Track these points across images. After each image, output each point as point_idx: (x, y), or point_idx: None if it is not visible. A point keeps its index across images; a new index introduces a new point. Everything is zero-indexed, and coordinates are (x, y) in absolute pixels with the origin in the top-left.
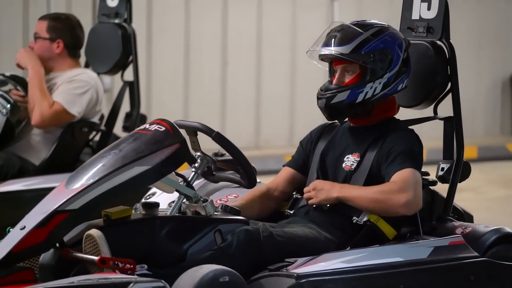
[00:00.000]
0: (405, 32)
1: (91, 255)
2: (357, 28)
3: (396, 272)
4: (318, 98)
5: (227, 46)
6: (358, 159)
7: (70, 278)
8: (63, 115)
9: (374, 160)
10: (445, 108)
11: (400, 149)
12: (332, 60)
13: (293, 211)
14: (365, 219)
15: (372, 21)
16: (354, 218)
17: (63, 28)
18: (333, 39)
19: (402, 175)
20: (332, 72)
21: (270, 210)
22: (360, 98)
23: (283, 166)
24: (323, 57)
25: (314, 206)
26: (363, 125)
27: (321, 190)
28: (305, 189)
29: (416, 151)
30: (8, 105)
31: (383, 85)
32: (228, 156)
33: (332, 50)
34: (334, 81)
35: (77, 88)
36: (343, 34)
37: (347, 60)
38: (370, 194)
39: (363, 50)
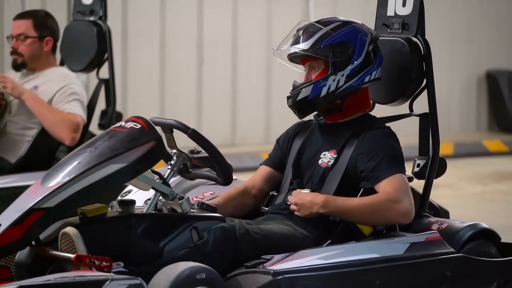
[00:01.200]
0: (380, 28)
1: (67, 253)
2: (318, 25)
3: (372, 268)
4: (288, 97)
5: (203, 44)
6: (335, 156)
7: (46, 276)
8: (82, 124)
9: (352, 157)
10: (421, 104)
11: (383, 151)
12: (301, 59)
13: (269, 208)
14: None
15: (339, 18)
16: (331, 216)
17: (51, 25)
18: (298, 38)
19: (393, 183)
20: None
21: (247, 208)
22: (323, 91)
23: (260, 164)
24: (289, 56)
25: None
26: (338, 121)
27: (302, 205)
28: (290, 200)
29: (398, 152)
30: None
31: (346, 77)
32: (204, 154)
33: (294, 48)
34: (303, 79)
35: (75, 94)
36: (306, 32)
37: (310, 56)
38: (364, 207)
39: (322, 44)
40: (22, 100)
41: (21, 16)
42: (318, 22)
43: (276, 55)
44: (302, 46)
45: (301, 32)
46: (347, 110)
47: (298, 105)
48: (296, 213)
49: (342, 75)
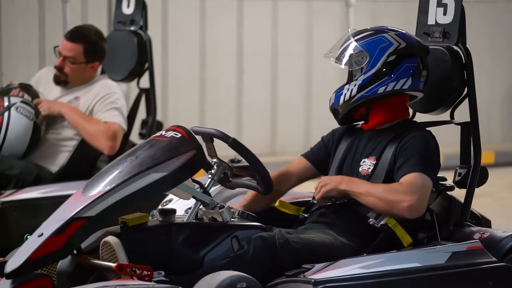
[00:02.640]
0: (421, 37)
1: (109, 262)
2: (351, 35)
3: (413, 278)
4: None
5: (243, 53)
6: (374, 162)
7: (88, 285)
8: (121, 132)
9: (391, 161)
10: (462, 113)
11: (414, 150)
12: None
13: (308, 214)
14: (382, 222)
15: (381, 27)
16: (371, 220)
17: (100, 51)
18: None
19: (411, 178)
20: None
21: (281, 192)
22: (341, 100)
23: (301, 155)
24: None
25: (330, 209)
26: (376, 128)
27: (328, 183)
28: (315, 186)
29: (431, 153)
30: (33, 110)
31: (358, 87)
32: (244, 163)
33: (327, 56)
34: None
35: (114, 103)
36: (343, 41)
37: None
38: (376, 192)
39: (345, 54)
40: (61, 114)
41: (73, 39)
42: (361, 31)
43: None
44: (334, 55)
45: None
46: (376, 117)
47: (332, 113)
48: (317, 196)
49: (355, 85)
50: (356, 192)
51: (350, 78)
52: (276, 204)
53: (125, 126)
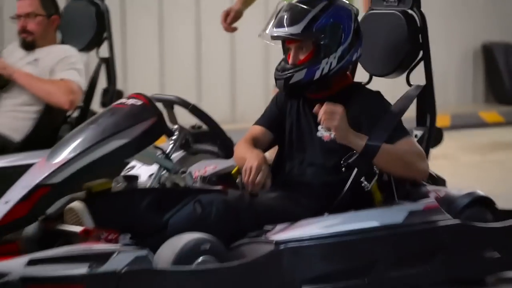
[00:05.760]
0: (376, 1)
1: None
2: (304, 6)
3: (372, 237)
4: (276, 79)
5: (201, 20)
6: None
7: (55, 249)
8: (79, 90)
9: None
10: (418, 76)
11: (382, 114)
12: (284, 39)
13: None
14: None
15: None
16: (364, 183)
17: (55, 3)
18: (283, 20)
19: (412, 144)
20: (286, 50)
21: None
22: (317, 74)
23: (254, 124)
24: (275, 38)
25: (293, 173)
26: (326, 96)
27: (334, 115)
28: (318, 110)
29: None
30: None
31: (338, 58)
32: (205, 129)
33: (284, 31)
34: (290, 60)
35: (72, 64)
36: (292, 13)
37: (300, 39)
38: (397, 151)
39: (314, 27)
40: (13, 79)
41: None
42: (300, 1)
43: (262, 37)
44: (293, 29)
45: (286, 13)
46: (334, 86)
47: (290, 88)
48: (326, 122)
49: (334, 57)
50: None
51: (326, 51)
52: (233, 171)
53: (83, 86)
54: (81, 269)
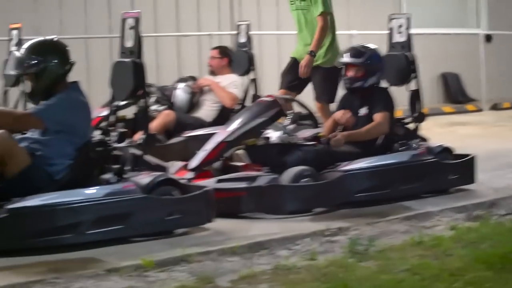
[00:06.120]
0: (391, 49)
1: (240, 163)
2: (363, 49)
3: (392, 168)
4: (345, 83)
5: None
6: (367, 110)
7: (233, 173)
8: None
9: (371, 107)
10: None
11: (381, 100)
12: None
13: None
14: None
15: (370, 45)
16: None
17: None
18: (351, 53)
19: (382, 115)
20: (345, 69)
21: None
22: (366, 84)
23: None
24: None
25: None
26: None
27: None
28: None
29: (389, 101)
30: None
31: (376, 78)
32: (305, 113)
33: (352, 59)
34: (352, 74)
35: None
36: (356, 51)
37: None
38: (365, 128)
39: (369, 60)
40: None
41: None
42: (361, 46)
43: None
44: (360, 60)
45: (353, 51)
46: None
47: (353, 89)
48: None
49: (376, 77)
50: (353, 135)
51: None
52: (320, 134)
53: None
54: (243, 184)
